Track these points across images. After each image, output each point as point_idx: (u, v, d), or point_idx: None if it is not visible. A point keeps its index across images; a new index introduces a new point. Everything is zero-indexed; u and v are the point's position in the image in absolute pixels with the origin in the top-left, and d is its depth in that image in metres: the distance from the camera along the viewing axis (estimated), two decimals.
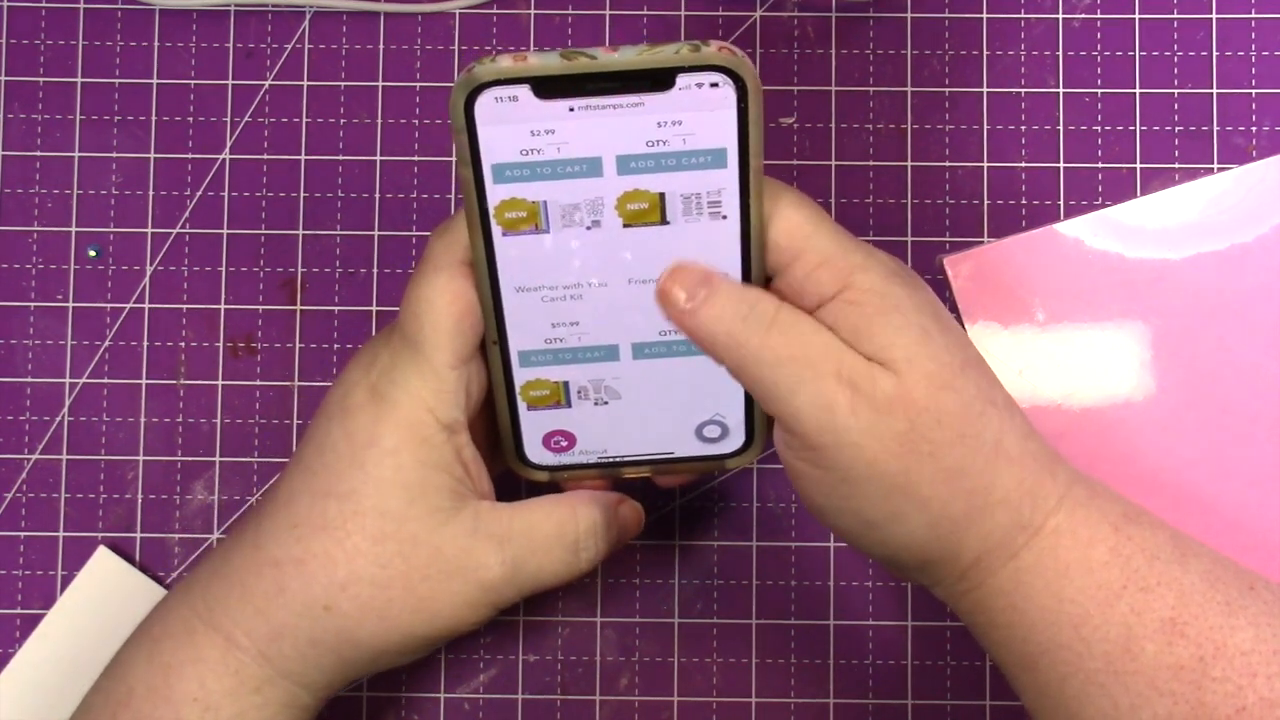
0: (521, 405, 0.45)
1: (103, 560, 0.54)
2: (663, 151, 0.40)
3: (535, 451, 0.46)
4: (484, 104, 0.39)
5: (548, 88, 0.39)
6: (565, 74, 0.38)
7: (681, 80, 0.39)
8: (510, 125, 0.39)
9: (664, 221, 0.41)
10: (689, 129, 0.39)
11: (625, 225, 0.41)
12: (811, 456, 0.41)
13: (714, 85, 0.39)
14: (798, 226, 0.42)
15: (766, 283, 0.43)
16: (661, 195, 0.41)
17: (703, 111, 0.39)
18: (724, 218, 0.41)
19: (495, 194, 0.41)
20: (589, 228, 0.41)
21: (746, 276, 0.42)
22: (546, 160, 0.40)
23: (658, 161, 0.40)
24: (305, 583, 0.43)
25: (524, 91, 0.39)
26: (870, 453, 0.40)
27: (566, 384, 0.44)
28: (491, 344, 0.44)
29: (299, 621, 0.43)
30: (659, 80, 0.39)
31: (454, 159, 0.41)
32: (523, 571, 0.44)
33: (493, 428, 0.46)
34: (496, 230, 0.41)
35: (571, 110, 0.39)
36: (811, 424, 0.40)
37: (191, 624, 0.44)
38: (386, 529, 0.43)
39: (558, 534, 0.45)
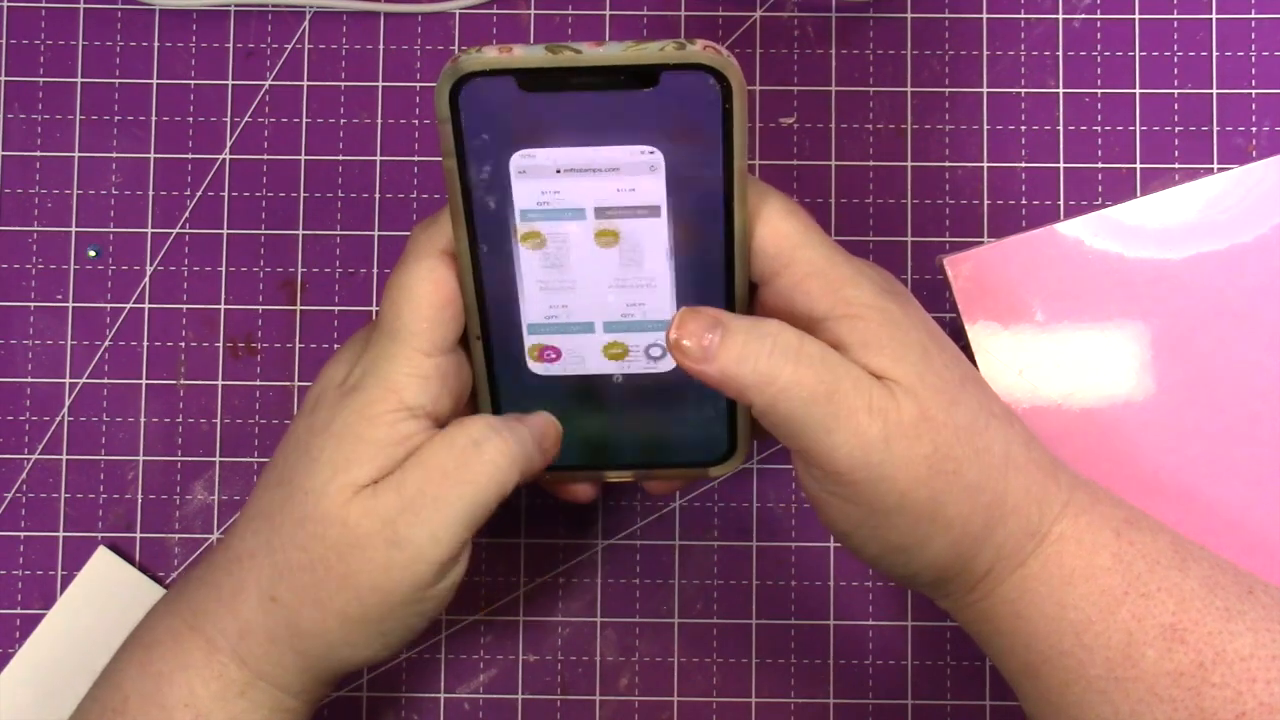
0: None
1: (102, 560, 0.54)
2: None
3: None
4: (469, 95, 0.39)
5: (532, 80, 0.39)
6: (549, 67, 0.38)
7: (666, 79, 0.38)
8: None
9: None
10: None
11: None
12: (842, 491, 0.40)
13: (698, 85, 0.39)
14: (786, 236, 0.41)
15: (752, 290, 0.43)
16: None
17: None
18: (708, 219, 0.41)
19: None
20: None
21: (730, 280, 0.42)
22: None
23: None
24: (256, 575, 0.43)
25: (508, 83, 0.39)
26: (902, 484, 0.40)
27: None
28: (475, 339, 0.44)
29: (257, 617, 0.43)
30: (643, 77, 0.38)
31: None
32: (427, 505, 0.41)
33: None
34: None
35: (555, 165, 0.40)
36: (845, 461, 0.39)
37: (178, 630, 0.44)
38: (307, 510, 0.42)
39: (447, 447, 0.42)
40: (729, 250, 0.42)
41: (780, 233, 0.41)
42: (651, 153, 0.40)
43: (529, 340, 0.44)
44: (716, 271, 0.42)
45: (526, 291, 0.43)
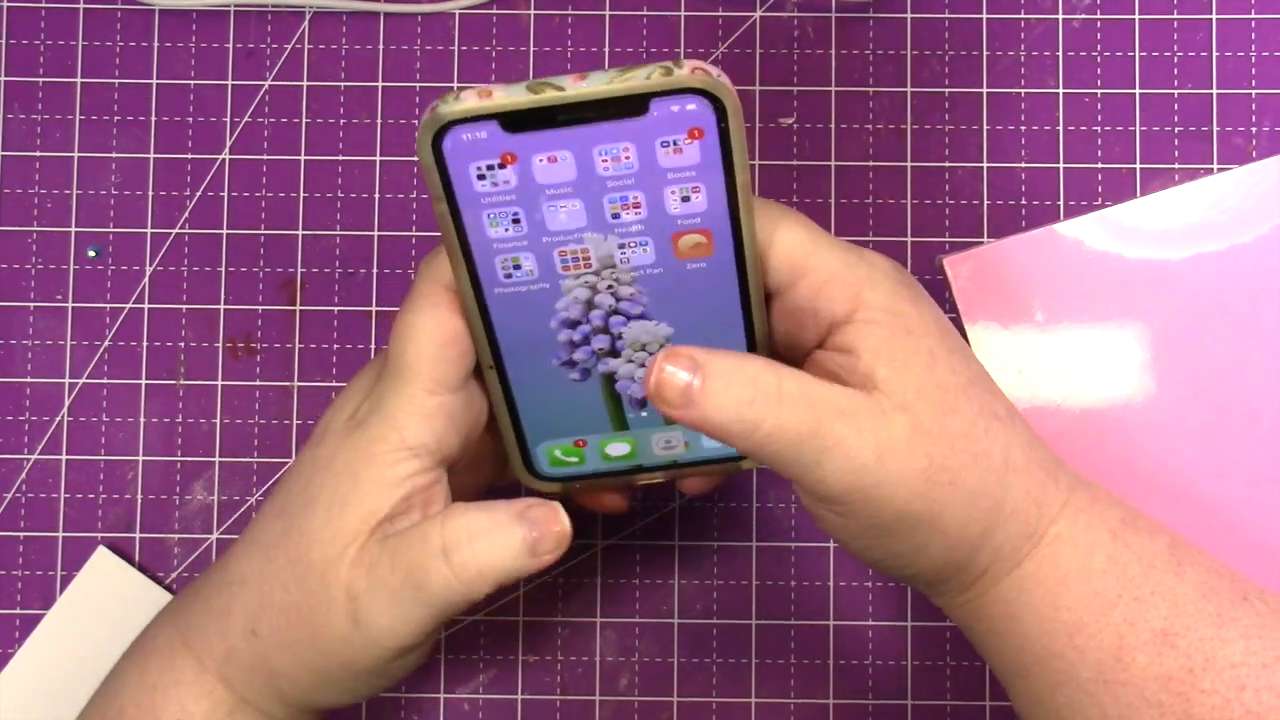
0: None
1: (102, 560, 0.54)
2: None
3: (544, 462, 0.45)
4: (452, 142, 0.38)
5: (516, 122, 0.38)
6: (532, 108, 0.37)
7: (656, 106, 0.38)
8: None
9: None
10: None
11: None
12: (839, 510, 0.40)
13: (690, 108, 0.38)
14: (797, 245, 0.41)
15: (767, 301, 0.42)
16: None
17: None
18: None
19: None
20: None
21: (745, 301, 0.42)
22: None
23: None
24: (243, 604, 0.42)
25: (492, 126, 0.38)
26: (899, 500, 0.40)
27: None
28: (488, 369, 0.43)
29: (239, 645, 0.43)
30: (632, 107, 0.37)
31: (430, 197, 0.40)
32: (387, 597, 0.40)
33: (492, 457, 0.46)
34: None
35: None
36: (838, 486, 0.39)
37: (173, 642, 0.44)
38: (300, 552, 0.41)
39: (421, 542, 0.41)
40: (740, 268, 0.41)
41: (791, 243, 0.41)
42: (648, 181, 0.39)
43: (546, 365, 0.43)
44: (730, 289, 0.42)
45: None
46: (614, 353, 0.43)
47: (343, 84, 0.56)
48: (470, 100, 0.37)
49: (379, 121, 0.56)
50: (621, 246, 0.40)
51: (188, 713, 0.43)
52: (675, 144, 0.38)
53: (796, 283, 0.41)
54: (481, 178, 0.39)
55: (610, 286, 0.41)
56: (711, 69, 0.38)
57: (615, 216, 0.40)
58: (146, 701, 0.43)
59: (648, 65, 0.37)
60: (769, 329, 0.43)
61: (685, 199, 0.40)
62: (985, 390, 0.42)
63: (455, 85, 0.38)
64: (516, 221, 0.40)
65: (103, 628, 0.54)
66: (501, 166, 0.38)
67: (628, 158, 0.38)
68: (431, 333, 0.41)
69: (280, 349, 0.55)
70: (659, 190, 0.39)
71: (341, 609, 0.41)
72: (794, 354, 0.43)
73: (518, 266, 0.41)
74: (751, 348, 0.43)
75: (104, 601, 0.54)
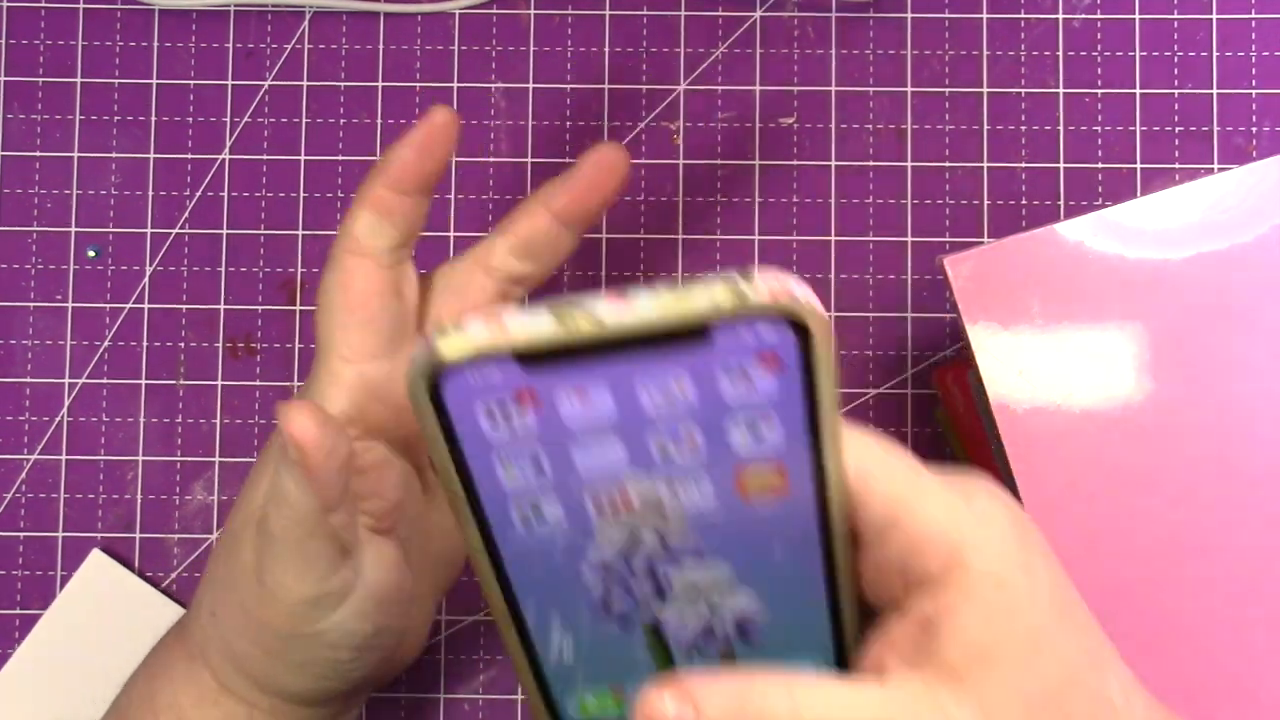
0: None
1: (96, 563, 0.54)
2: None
3: (573, 709, 0.37)
4: (455, 387, 0.30)
5: (538, 358, 0.30)
6: (560, 346, 0.30)
7: (721, 332, 0.30)
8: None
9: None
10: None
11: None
12: None
13: (766, 335, 0.30)
14: (892, 498, 0.33)
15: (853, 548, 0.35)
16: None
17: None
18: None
19: None
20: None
21: (827, 544, 0.34)
22: None
23: None
24: (210, 591, 0.43)
25: (506, 361, 0.30)
26: None
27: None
28: (503, 621, 0.35)
29: (208, 630, 0.43)
30: (690, 334, 0.30)
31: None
32: (270, 547, 0.39)
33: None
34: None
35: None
36: None
37: (175, 635, 0.45)
38: (232, 524, 0.42)
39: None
40: (822, 509, 0.33)
41: (887, 493, 0.34)
42: (708, 415, 0.31)
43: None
44: (808, 531, 0.34)
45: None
46: (660, 594, 0.35)
47: (343, 84, 0.56)
48: (478, 335, 0.29)
49: (379, 121, 0.56)
50: (670, 484, 0.32)
51: (178, 701, 0.43)
52: (745, 374, 0.31)
53: (887, 533, 0.34)
54: (491, 416, 0.31)
55: (657, 531, 0.33)
56: (796, 287, 0.30)
57: (665, 455, 0.32)
58: (146, 690, 0.44)
59: (710, 282, 0.30)
60: (855, 573, 0.35)
61: (753, 431, 0.32)
62: (1099, 670, 0.35)
63: (451, 323, 0.31)
64: (538, 466, 0.32)
65: (97, 630, 0.54)
66: (518, 403, 0.31)
67: (683, 393, 0.31)
68: (339, 300, 0.40)
69: (280, 349, 0.55)
70: (720, 423, 0.31)
71: (250, 569, 0.40)
72: (874, 603, 0.36)
73: (539, 513, 0.33)
74: (832, 594, 0.35)
75: (98, 604, 0.54)
